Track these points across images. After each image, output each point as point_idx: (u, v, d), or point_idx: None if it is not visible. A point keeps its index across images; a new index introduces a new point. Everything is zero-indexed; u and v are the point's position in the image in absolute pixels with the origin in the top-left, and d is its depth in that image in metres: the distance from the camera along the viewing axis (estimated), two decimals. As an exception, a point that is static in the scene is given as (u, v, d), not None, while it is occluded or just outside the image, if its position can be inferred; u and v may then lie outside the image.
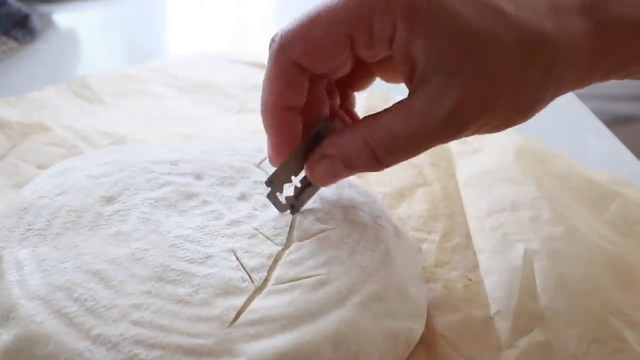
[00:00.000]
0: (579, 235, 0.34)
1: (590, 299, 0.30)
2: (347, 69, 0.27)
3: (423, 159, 0.41)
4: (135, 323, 0.23)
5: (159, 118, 0.46)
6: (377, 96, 0.48)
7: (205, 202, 0.30)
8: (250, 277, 0.26)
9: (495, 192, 0.38)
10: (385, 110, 0.26)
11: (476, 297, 0.31)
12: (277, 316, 0.24)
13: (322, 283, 0.26)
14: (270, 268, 0.26)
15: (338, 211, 0.30)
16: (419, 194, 0.38)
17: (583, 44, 0.25)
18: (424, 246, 0.34)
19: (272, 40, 0.26)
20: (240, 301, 0.24)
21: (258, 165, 0.33)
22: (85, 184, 0.30)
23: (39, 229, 0.27)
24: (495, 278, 0.31)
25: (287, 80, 0.26)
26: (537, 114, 0.26)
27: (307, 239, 0.28)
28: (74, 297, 0.24)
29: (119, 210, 0.28)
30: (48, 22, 0.64)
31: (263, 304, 0.25)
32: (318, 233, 0.28)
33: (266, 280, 0.26)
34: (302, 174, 0.29)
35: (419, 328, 0.27)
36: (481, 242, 0.34)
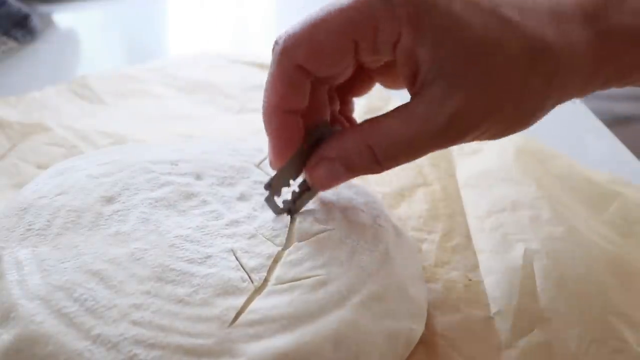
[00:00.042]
0: (579, 235, 0.34)
1: (590, 299, 0.30)
2: (348, 74, 0.27)
3: (423, 159, 0.41)
4: (135, 323, 0.23)
5: (159, 118, 0.46)
6: (376, 96, 0.48)
7: (205, 202, 0.30)
8: (250, 277, 0.26)
9: (495, 192, 0.38)
10: (386, 113, 0.26)
11: (476, 297, 0.31)
12: (277, 316, 0.24)
13: (322, 283, 0.26)
14: (270, 268, 0.26)
15: (337, 211, 0.30)
16: (419, 194, 0.38)
17: (584, 52, 0.25)
18: (424, 246, 0.34)
19: (276, 42, 0.26)
20: (240, 301, 0.24)
21: (258, 166, 0.33)
22: (85, 184, 0.30)
23: (39, 229, 0.27)
24: (495, 278, 0.31)
25: (290, 83, 0.26)
26: (537, 122, 0.27)
27: (307, 239, 0.28)
28: (74, 297, 0.24)
29: (118, 210, 0.28)
30: (48, 22, 0.64)
31: (263, 304, 0.25)
32: (318, 233, 0.28)
33: (266, 280, 0.26)
34: (301, 178, 0.29)
35: (419, 328, 0.27)
36: (481, 242, 0.34)
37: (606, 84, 0.27)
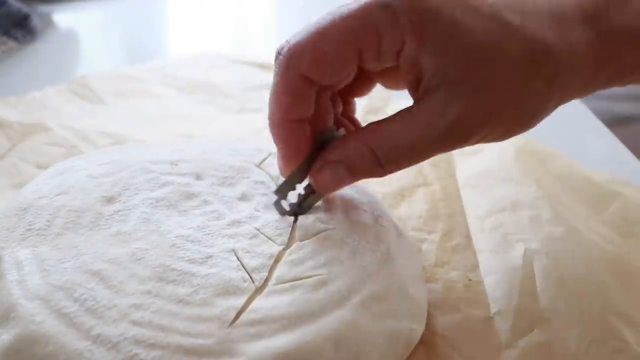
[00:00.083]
0: (579, 235, 0.34)
1: (590, 299, 0.30)
2: (350, 78, 0.27)
3: (423, 159, 0.41)
4: (135, 323, 0.23)
5: (159, 118, 0.46)
6: (377, 96, 0.48)
7: (205, 202, 0.30)
8: (250, 277, 0.26)
9: (495, 192, 0.38)
10: (389, 117, 0.26)
11: (476, 297, 0.31)
12: (277, 316, 0.24)
13: (323, 283, 0.26)
14: (271, 268, 0.26)
15: (339, 211, 0.30)
16: (419, 194, 0.38)
17: (585, 54, 0.25)
18: (424, 246, 0.34)
19: (279, 53, 0.26)
20: (240, 301, 0.24)
21: (258, 166, 0.33)
22: (85, 184, 0.30)
23: (39, 229, 0.27)
24: (495, 278, 0.31)
25: (296, 94, 0.26)
26: (539, 123, 0.27)
27: (308, 238, 0.28)
28: (74, 297, 0.24)
29: (119, 210, 0.28)
30: (48, 22, 0.64)
31: (263, 304, 0.25)
32: (319, 233, 0.28)
33: (267, 280, 0.26)
34: (306, 181, 0.29)
35: (419, 328, 0.27)
36: (481, 242, 0.34)
37: (607, 83, 0.28)
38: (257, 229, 0.28)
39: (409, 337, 0.27)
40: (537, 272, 0.31)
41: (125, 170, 0.31)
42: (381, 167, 0.26)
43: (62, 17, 0.66)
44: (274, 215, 0.30)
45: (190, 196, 0.30)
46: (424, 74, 0.25)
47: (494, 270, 0.32)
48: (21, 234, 0.27)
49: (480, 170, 0.40)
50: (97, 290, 0.24)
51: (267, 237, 0.28)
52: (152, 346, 0.22)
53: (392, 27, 0.24)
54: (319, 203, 0.30)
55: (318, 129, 0.28)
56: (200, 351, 0.23)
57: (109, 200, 0.29)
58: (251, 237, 0.28)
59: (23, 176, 0.38)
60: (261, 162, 0.34)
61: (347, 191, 0.32)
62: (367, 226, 0.30)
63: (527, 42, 0.24)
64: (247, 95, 0.49)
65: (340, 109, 0.30)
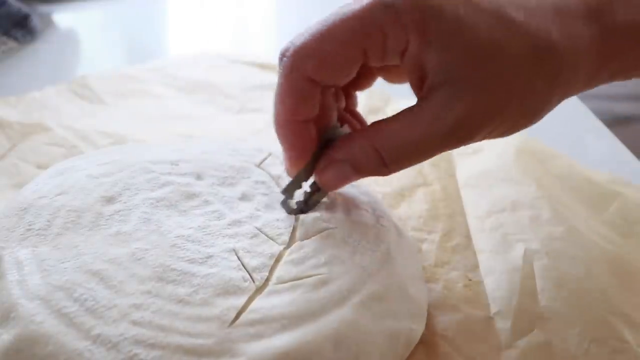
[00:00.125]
0: (579, 235, 0.34)
1: (590, 299, 0.30)
2: (354, 75, 0.27)
3: (423, 159, 0.41)
4: (135, 323, 0.23)
5: (159, 118, 0.46)
6: (377, 96, 0.48)
7: (206, 202, 0.30)
8: (251, 276, 0.26)
9: (495, 192, 0.38)
10: (393, 116, 0.26)
11: (476, 297, 0.31)
12: (277, 316, 0.24)
13: (323, 282, 0.26)
14: (271, 268, 0.26)
15: (340, 210, 0.30)
16: (419, 194, 0.38)
17: (589, 49, 0.25)
18: (424, 246, 0.34)
19: (283, 54, 0.26)
20: (240, 301, 0.24)
21: (259, 165, 0.33)
22: (85, 184, 0.30)
23: (39, 229, 0.27)
24: (495, 278, 0.31)
25: (301, 95, 0.26)
26: (543, 118, 0.27)
27: (309, 238, 0.28)
28: (74, 297, 0.24)
29: (119, 210, 0.28)
30: (48, 22, 0.64)
31: (264, 304, 0.25)
32: (320, 232, 0.28)
33: (267, 279, 0.26)
34: (312, 179, 0.30)
35: (419, 328, 0.27)
36: (481, 242, 0.34)
37: (611, 78, 0.28)
38: (258, 229, 0.28)
39: (409, 337, 0.27)
40: (537, 272, 0.31)
41: (125, 170, 0.31)
42: (386, 166, 0.27)
43: (62, 17, 0.66)
44: (275, 214, 0.30)
45: (190, 196, 0.30)
46: (428, 72, 0.25)
47: (494, 270, 0.32)
48: (21, 234, 0.27)
49: (480, 170, 0.40)
50: (97, 290, 0.24)
51: (268, 236, 0.28)
52: (152, 346, 0.22)
53: (396, 26, 0.24)
54: (323, 200, 0.31)
55: (322, 126, 0.28)
56: (200, 351, 0.23)
57: (109, 200, 0.29)
58: (252, 237, 0.28)
59: (23, 176, 0.38)
60: (261, 162, 0.34)
61: (350, 191, 0.32)
62: (368, 226, 0.30)
63: (531, 39, 0.24)
64: (247, 95, 0.49)
65: (342, 103, 0.30)
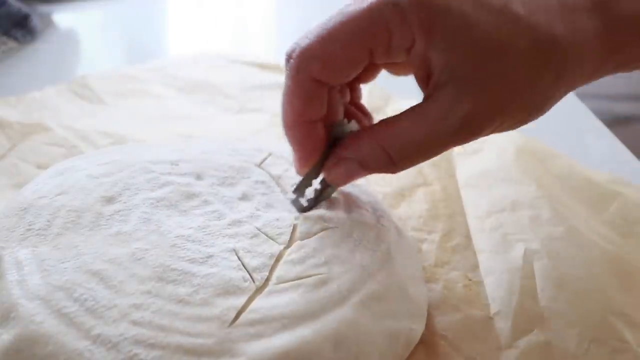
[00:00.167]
0: (579, 235, 0.34)
1: (590, 299, 0.30)
2: (359, 72, 0.27)
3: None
4: (135, 323, 0.23)
5: (159, 118, 0.46)
6: (377, 94, 0.48)
7: (206, 202, 0.30)
8: (251, 276, 0.26)
9: (495, 192, 0.38)
10: (400, 115, 0.26)
11: (476, 297, 0.31)
12: (277, 316, 0.24)
13: (323, 282, 0.26)
14: (272, 267, 0.26)
15: (341, 210, 0.30)
16: (419, 194, 0.38)
17: (593, 42, 0.26)
18: (424, 246, 0.34)
19: (289, 57, 0.26)
20: (240, 301, 0.24)
21: (259, 165, 0.33)
22: (85, 184, 0.30)
23: (39, 229, 0.27)
24: (495, 278, 0.31)
25: (308, 97, 0.26)
26: (548, 111, 0.27)
27: (310, 237, 0.28)
28: (74, 297, 0.24)
29: (119, 210, 0.28)
30: (48, 22, 0.64)
31: (264, 304, 0.25)
32: (320, 231, 0.28)
33: (267, 279, 0.26)
34: (321, 176, 0.30)
35: (419, 328, 0.27)
36: (481, 242, 0.34)
37: (615, 69, 0.28)
38: (258, 229, 0.28)
39: (409, 337, 0.27)
40: (537, 272, 0.31)
41: (126, 170, 0.31)
42: (394, 165, 0.27)
43: (62, 17, 0.66)
44: (275, 214, 0.30)
45: (190, 196, 0.30)
46: (433, 70, 0.25)
47: (494, 270, 0.32)
48: (21, 234, 0.27)
49: (480, 170, 0.40)
50: (97, 290, 0.24)
51: (268, 236, 0.28)
52: (152, 346, 0.22)
53: (402, 24, 0.24)
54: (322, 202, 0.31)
55: (329, 122, 0.28)
56: (200, 351, 0.23)
57: (109, 200, 0.29)
58: (252, 237, 0.28)
59: (23, 176, 0.38)
60: (261, 162, 0.34)
61: (349, 190, 0.32)
62: (369, 226, 0.30)
63: (535, 33, 0.24)
64: (247, 95, 0.49)
65: (348, 97, 0.30)
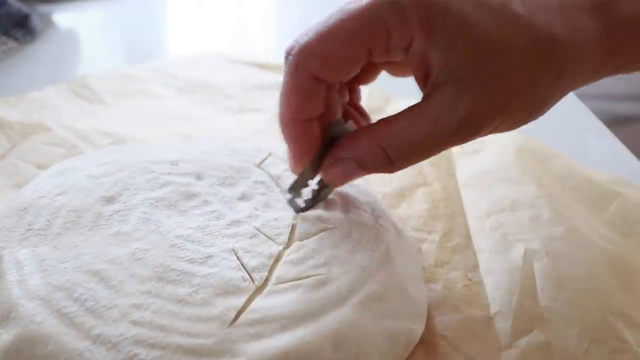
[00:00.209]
0: (579, 235, 0.34)
1: (590, 299, 0.30)
2: (357, 71, 0.27)
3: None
4: (135, 323, 0.23)
5: (159, 118, 0.46)
6: (377, 96, 0.48)
7: (205, 202, 0.30)
8: (251, 276, 0.26)
9: (495, 192, 0.38)
10: (398, 114, 0.26)
11: (476, 297, 0.31)
12: (277, 316, 0.24)
13: (323, 282, 0.26)
14: (271, 268, 0.26)
15: (339, 210, 0.30)
16: (419, 194, 0.38)
17: (593, 43, 0.26)
18: (424, 246, 0.34)
19: (288, 53, 0.26)
20: (240, 301, 0.24)
21: (259, 165, 0.33)
22: (85, 184, 0.30)
23: (39, 229, 0.27)
24: (495, 278, 0.31)
25: (306, 94, 0.26)
26: (547, 111, 0.27)
27: (308, 238, 0.28)
28: (74, 297, 0.24)
29: (119, 210, 0.28)
30: (48, 22, 0.64)
31: (263, 304, 0.25)
32: (319, 232, 0.28)
33: (267, 280, 0.26)
34: (318, 177, 0.30)
35: (419, 328, 0.27)
36: (481, 242, 0.34)
37: (615, 71, 0.28)
38: (257, 229, 0.28)
39: (409, 337, 0.27)
40: (537, 272, 0.31)
41: (125, 170, 0.31)
42: (392, 164, 0.27)
43: (62, 17, 0.66)
44: (273, 214, 0.30)
45: (190, 196, 0.30)
46: (432, 69, 0.25)
47: (494, 270, 0.32)
48: (21, 234, 0.27)
49: (480, 170, 0.40)
50: (97, 290, 0.24)
51: (267, 236, 0.28)
52: (152, 346, 0.22)
53: (401, 23, 0.24)
54: (320, 202, 0.31)
55: (326, 122, 0.28)
56: (200, 351, 0.23)
57: (109, 200, 0.29)
58: (251, 237, 0.28)
59: (23, 176, 0.38)
60: (261, 162, 0.34)
61: (348, 190, 0.32)
62: (367, 226, 0.30)
63: (535, 33, 0.24)
64: (247, 95, 0.49)
65: (346, 98, 0.30)
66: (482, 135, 0.26)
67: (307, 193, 0.30)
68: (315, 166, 0.29)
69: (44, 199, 0.29)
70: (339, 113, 0.29)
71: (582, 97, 0.52)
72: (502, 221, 0.35)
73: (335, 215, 0.30)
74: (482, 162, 0.41)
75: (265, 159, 0.34)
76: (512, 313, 0.29)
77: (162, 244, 0.27)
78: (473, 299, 0.30)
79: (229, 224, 0.28)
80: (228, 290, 0.25)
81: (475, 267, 0.33)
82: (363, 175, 0.28)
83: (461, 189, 0.39)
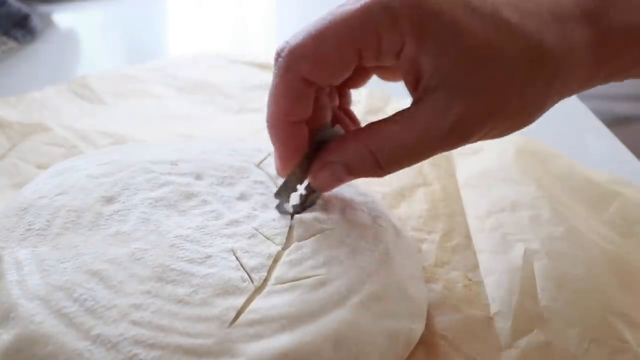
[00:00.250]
0: (579, 235, 0.34)
1: (590, 299, 0.30)
2: (348, 74, 0.27)
3: (423, 159, 0.41)
4: (135, 323, 0.23)
5: (159, 118, 0.46)
6: (377, 95, 0.48)
7: (204, 202, 0.30)
8: (250, 277, 0.26)
9: (495, 192, 0.38)
10: (387, 118, 0.26)
11: (476, 297, 0.31)
12: (277, 316, 0.24)
13: (322, 283, 0.26)
14: (270, 268, 0.26)
15: (337, 211, 0.30)
16: (419, 194, 0.38)
17: (585, 52, 0.26)
18: (424, 246, 0.34)
19: (278, 55, 0.26)
20: (240, 301, 0.24)
21: (258, 165, 0.33)
22: (85, 184, 0.30)
23: (38, 229, 0.27)
24: (495, 278, 0.31)
25: (296, 96, 0.26)
26: (539, 119, 0.27)
27: (307, 238, 0.28)
28: (74, 297, 0.24)
29: (118, 210, 0.28)
30: (48, 22, 0.64)
31: (263, 304, 0.25)
32: (317, 233, 0.28)
33: (266, 280, 0.26)
34: (307, 181, 0.29)
35: (418, 328, 0.27)
36: (481, 242, 0.34)
37: (607, 78, 0.28)
38: (256, 229, 0.28)
39: (409, 337, 0.27)
40: (537, 272, 0.31)
41: (125, 170, 0.31)
42: (381, 168, 0.27)
43: (62, 17, 0.66)
44: (272, 214, 0.30)
45: (189, 196, 0.30)
46: (423, 74, 0.25)
47: (494, 270, 0.32)
48: (21, 234, 0.27)
49: (480, 170, 0.40)
50: (97, 290, 0.24)
51: (265, 236, 0.28)
52: (151, 346, 0.22)
53: (393, 28, 0.24)
54: (318, 201, 0.31)
55: (315, 125, 0.28)
56: (199, 351, 0.23)
57: (109, 200, 0.29)
58: (250, 237, 0.28)
59: (23, 176, 0.38)
60: (261, 162, 0.34)
61: (346, 191, 0.32)
62: (366, 226, 0.30)
63: (527, 42, 0.24)
64: (247, 95, 0.49)
65: (336, 102, 0.30)
66: (473, 142, 0.26)
67: (295, 199, 0.30)
68: (303, 170, 0.29)
69: (43, 199, 0.29)
70: (328, 117, 0.29)
71: (582, 97, 0.52)
72: (502, 221, 0.35)
73: (333, 216, 0.30)
74: (482, 162, 0.41)
75: (265, 159, 0.34)
76: (512, 313, 0.29)
77: (161, 244, 0.27)
78: (473, 299, 0.30)
79: (227, 224, 0.28)
80: (227, 290, 0.25)
81: (475, 267, 0.33)
82: (352, 179, 0.28)
83: (461, 189, 0.39)
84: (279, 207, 0.30)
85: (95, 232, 0.27)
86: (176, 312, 0.24)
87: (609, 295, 0.30)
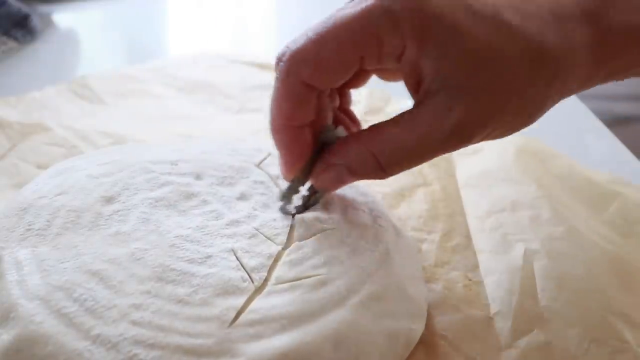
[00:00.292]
0: (579, 235, 0.34)
1: (590, 299, 0.30)
2: (349, 77, 0.27)
3: (423, 159, 0.41)
4: (134, 323, 0.23)
5: (159, 118, 0.46)
6: (377, 95, 0.48)
7: (205, 202, 0.30)
8: (250, 277, 0.26)
9: (495, 192, 0.38)
10: (390, 120, 0.26)
11: (476, 297, 0.31)
12: (277, 316, 0.24)
13: (322, 283, 0.26)
14: (270, 268, 0.26)
15: (338, 211, 0.30)
16: (419, 194, 0.38)
17: (584, 52, 0.26)
18: (424, 246, 0.34)
19: (279, 59, 0.26)
20: (240, 301, 0.24)
21: (258, 165, 0.33)
22: (85, 184, 0.30)
23: (38, 229, 0.27)
24: (495, 278, 0.31)
25: (297, 100, 0.26)
26: (540, 118, 0.27)
27: (307, 238, 0.28)
28: (74, 297, 0.24)
29: (118, 210, 0.28)
30: (48, 22, 0.64)
31: (263, 304, 0.25)
32: (318, 233, 0.28)
33: (266, 280, 0.26)
34: (309, 183, 0.30)
35: (418, 328, 0.27)
36: (481, 242, 0.34)
37: (607, 78, 0.28)
38: (256, 229, 0.28)
39: (409, 337, 0.27)
40: (537, 272, 0.31)
41: (125, 170, 0.31)
42: (383, 170, 0.27)
43: (62, 17, 0.66)
44: (272, 214, 0.30)
45: (189, 196, 0.30)
46: (424, 77, 0.25)
47: (494, 270, 0.32)
48: (21, 234, 0.27)
49: (480, 170, 0.40)
50: (97, 290, 0.24)
51: (265, 236, 0.28)
52: (151, 346, 0.22)
53: (394, 31, 0.24)
54: (318, 203, 0.31)
55: (317, 127, 0.28)
56: (199, 351, 0.23)
57: (109, 200, 0.29)
58: (250, 237, 0.28)
59: (23, 176, 0.38)
60: (260, 162, 0.34)
61: (347, 191, 0.32)
62: (366, 226, 0.30)
63: (527, 43, 0.24)
64: (247, 95, 0.49)
65: (337, 103, 0.30)
66: (474, 143, 0.26)
67: (297, 199, 0.30)
68: (306, 172, 0.29)
69: (43, 199, 0.29)
70: (329, 118, 0.29)
71: (582, 97, 0.52)
72: (502, 221, 0.35)
73: (334, 215, 0.30)
74: (482, 162, 0.41)
75: (265, 158, 0.34)
76: (512, 313, 0.29)
77: (161, 244, 0.27)
78: (473, 299, 0.30)
79: (227, 224, 0.28)
80: (227, 290, 0.25)
81: (475, 267, 0.33)
82: (354, 181, 0.28)
83: (461, 189, 0.39)
84: (282, 209, 0.30)
85: (95, 232, 0.27)
86: (176, 312, 0.24)
87: (609, 295, 0.30)
